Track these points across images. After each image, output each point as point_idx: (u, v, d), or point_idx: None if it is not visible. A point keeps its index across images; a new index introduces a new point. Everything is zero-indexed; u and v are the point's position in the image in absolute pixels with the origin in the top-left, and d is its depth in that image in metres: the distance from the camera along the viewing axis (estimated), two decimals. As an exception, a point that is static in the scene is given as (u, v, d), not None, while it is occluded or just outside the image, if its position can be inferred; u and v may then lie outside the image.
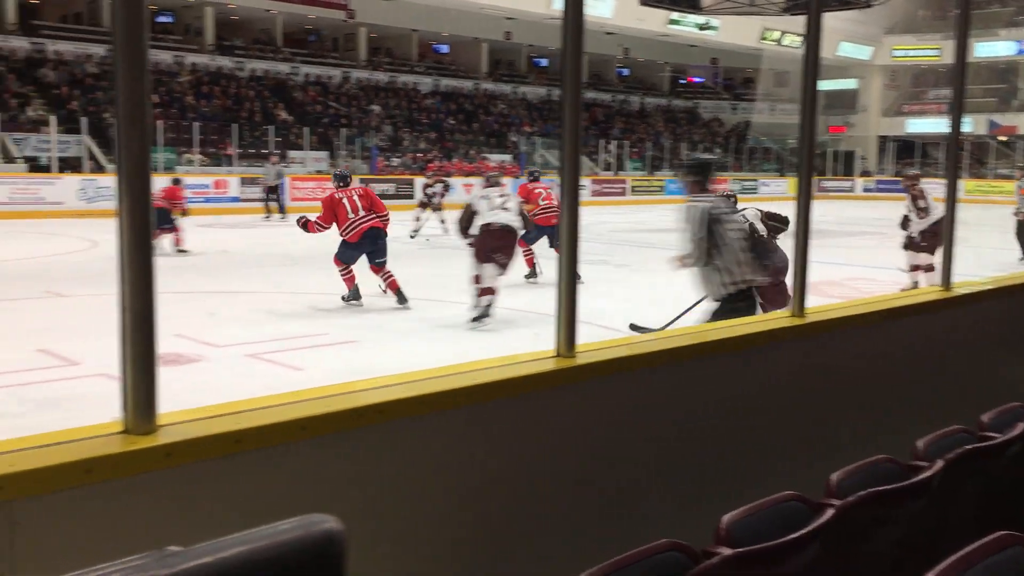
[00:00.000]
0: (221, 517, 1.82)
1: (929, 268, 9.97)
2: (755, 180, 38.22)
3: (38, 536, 1.62)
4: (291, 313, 9.15)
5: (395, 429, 2.18)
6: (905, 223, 10.60)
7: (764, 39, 39.24)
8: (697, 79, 46.56)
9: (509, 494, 2.48)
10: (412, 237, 16.92)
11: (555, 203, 11.11)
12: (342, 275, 9.53)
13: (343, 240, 9.44)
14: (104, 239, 15.98)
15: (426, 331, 8.39)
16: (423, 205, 18.34)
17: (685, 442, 2.95)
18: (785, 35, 38.62)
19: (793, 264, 3.43)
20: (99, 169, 23.38)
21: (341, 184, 9.65)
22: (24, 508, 1.60)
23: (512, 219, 8.85)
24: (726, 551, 1.93)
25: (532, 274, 11.55)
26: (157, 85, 27.35)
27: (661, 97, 44.49)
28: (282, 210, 22.02)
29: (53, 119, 23.33)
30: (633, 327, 7.34)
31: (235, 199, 24.23)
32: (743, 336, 3.16)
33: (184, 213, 14.68)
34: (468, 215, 8.90)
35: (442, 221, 17.59)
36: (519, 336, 7.95)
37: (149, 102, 1.71)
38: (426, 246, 15.94)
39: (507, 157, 32.83)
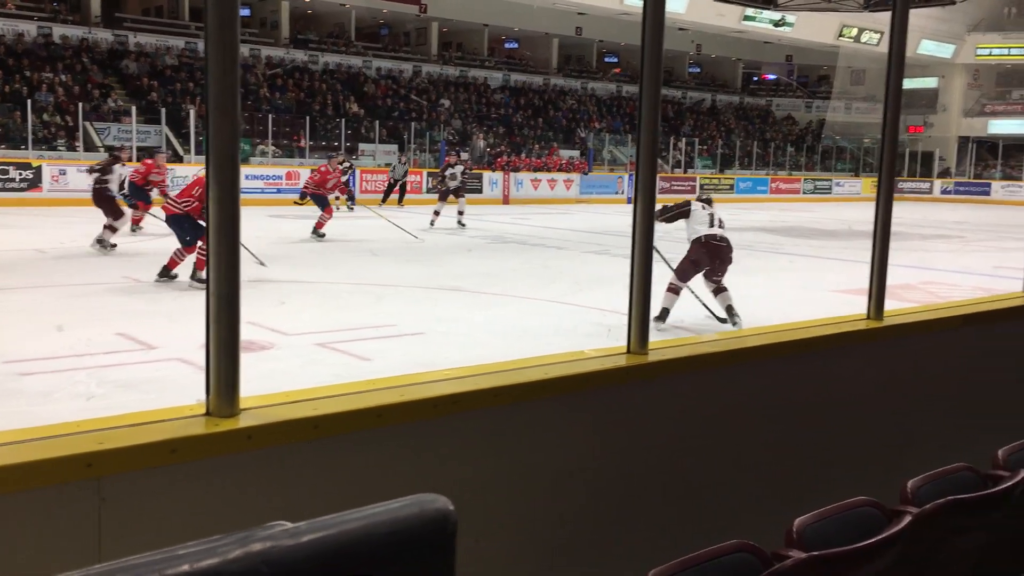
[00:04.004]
0: (298, 501, 1.86)
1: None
2: (829, 180, 37.48)
3: (124, 512, 1.68)
4: (360, 304, 9.27)
5: (467, 420, 2.20)
6: None
7: (841, 36, 38.41)
8: (771, 76, 45.84)
9: (578, 489, 2.48)
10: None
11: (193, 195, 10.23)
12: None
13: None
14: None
15: (493, 326, 8.43)
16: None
17: (756, 443, 2.92)
18: (864, 32, 37.76)
19: (872, 266, 3.36)
20: (177, 159, 24.00)
21: None
22: (111, 485, 1.66)
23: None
24: (798, 554, 1.91)
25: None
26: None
27: (733, 95, 43.90)
28: (352, 201, 22.32)
29: (133, 109, 24.02)
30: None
31: (306, 191, 24.61)
32: (819, 338, 3.11)
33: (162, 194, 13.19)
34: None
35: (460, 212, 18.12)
36: (591, 335, 7.93)
37: (238, 93, 1.75)
38: (494, 240, 16.02)
39: (575, 153, 32.75)
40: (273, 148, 26.29)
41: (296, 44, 32.27)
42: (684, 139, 35.78)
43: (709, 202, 8.63)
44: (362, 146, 28.16)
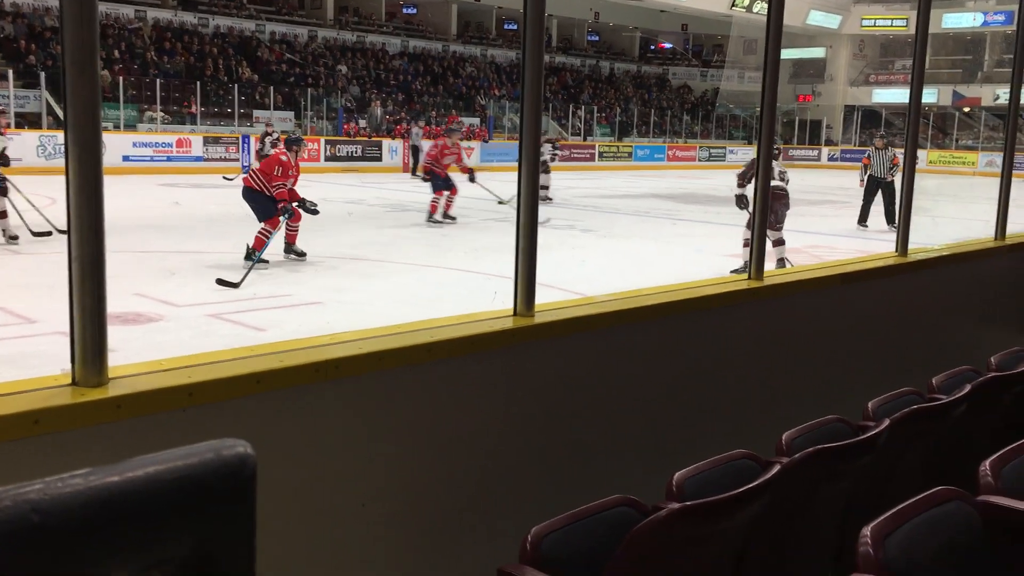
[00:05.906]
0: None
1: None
2: (723, 148, 38.33)
3: (-15, 487, 1.60)
4: (256, 274, 9.06)
5: (352, 385, 2.18)
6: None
7: (735, 6, 39.10)
8: (667, 45, 46.43)
9: (466, 449, 2.49)
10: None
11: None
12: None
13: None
14: (62, 197, 15.70)
15: (391, 295, 8.37)
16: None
17: (642, 401, 2.98)
18: (756, 2, 38.54)
19: (752, 229, 3.46)
20: (58, 125, 22.89)
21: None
22: (-30, 459, 1.58)
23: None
24: (675, 506, 1.96)
25: None
26: (118, 40, 26.79)
27: (631, 63, 44.31)
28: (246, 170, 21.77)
29: (11, 73, 22.79)
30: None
31: (199, 158, 23.86)
32: (701, 298, 3.19)
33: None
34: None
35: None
36: (489, 301, 7.96)
37: (98, 48, 1.67)
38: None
39: (475, 120, 32.60)
40: (162, 114, 25.32)
41: (185, 6, 31.06)
42: (583, 107, 36.00)
43: (776, 156, 9.13)
44: (256, 112, 27.40)
